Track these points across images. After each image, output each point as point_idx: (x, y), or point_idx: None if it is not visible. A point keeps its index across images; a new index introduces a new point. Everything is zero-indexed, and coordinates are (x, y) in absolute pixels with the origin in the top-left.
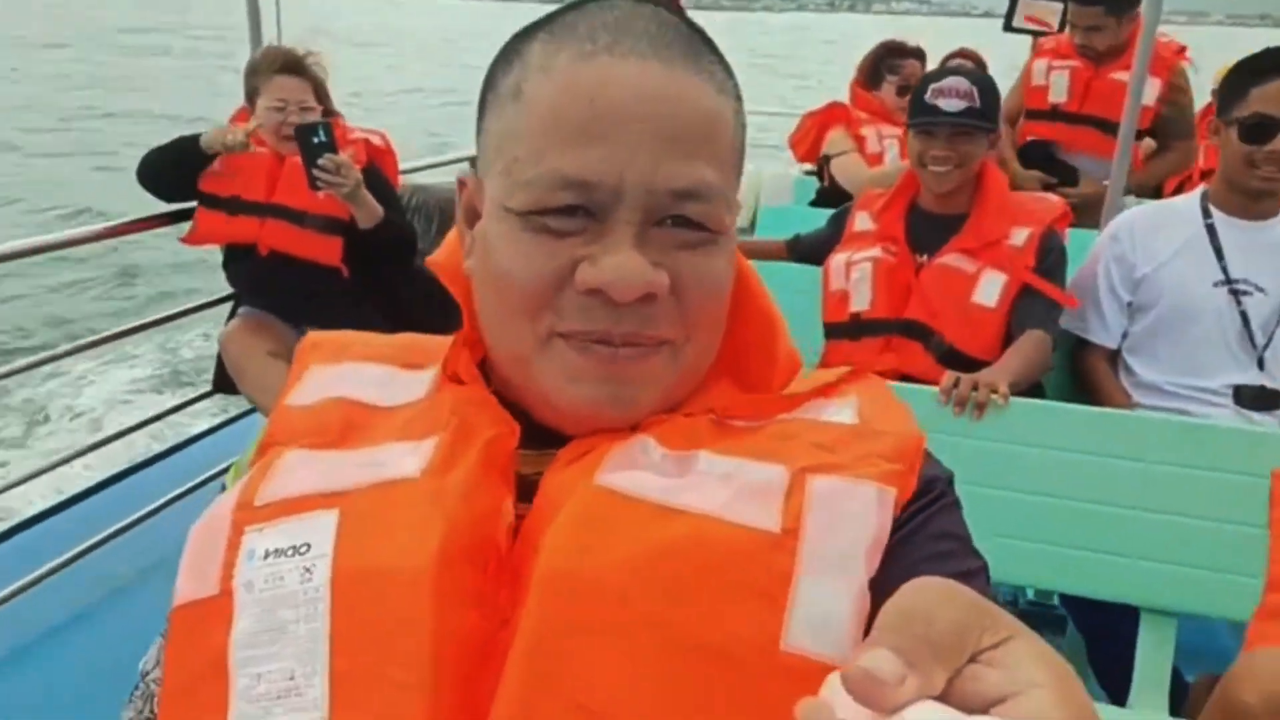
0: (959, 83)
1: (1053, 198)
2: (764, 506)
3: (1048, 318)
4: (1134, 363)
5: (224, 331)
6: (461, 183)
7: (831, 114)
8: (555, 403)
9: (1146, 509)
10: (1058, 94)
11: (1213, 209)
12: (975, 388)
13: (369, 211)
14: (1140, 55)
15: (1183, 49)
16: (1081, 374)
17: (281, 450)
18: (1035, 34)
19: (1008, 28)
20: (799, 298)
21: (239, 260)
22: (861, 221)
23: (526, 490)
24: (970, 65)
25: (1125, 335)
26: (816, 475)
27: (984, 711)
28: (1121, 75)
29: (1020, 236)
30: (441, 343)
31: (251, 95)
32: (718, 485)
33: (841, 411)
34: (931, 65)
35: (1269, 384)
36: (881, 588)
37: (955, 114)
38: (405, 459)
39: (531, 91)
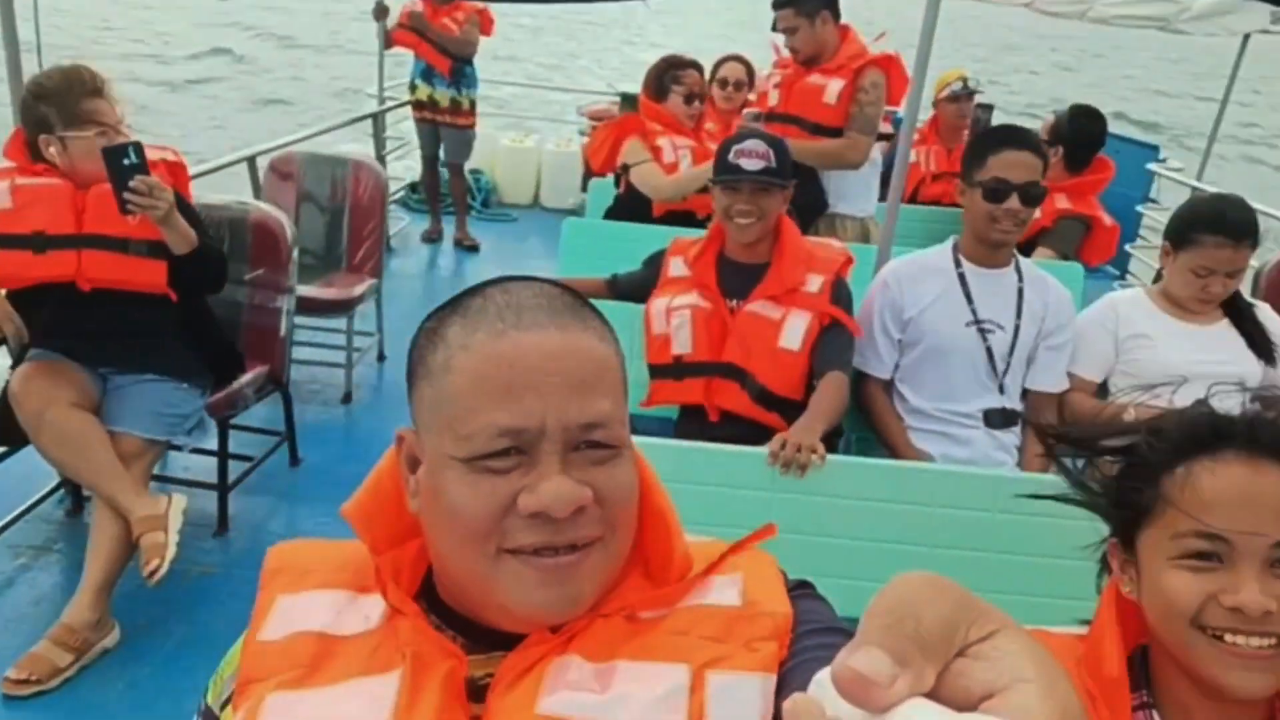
0: (757, 145)
1: (837, 244)
2: (673, 710)
3: (843, 357)
4: (905, 390)
5: (14, 377)
6: (400, 437)
7: (626, 125)
8: (513, 610)
9: (938, 545)
10: (773, 97)
11: (962, 259)
12: (799, 449)
13: (182, 235)
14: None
15: (888, 56)
16: (862, 401)
17: (260, 692)
18: None
19: (775, 28)
20: (621, 333)
21: (38, 301)
22: (676, 267)
23: (477, 692)
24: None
25: (897, 367)
26: (713, 670)
27: (972, 706)
28: (819, 79)
29: (815, 283)
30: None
31: (42, 122)
32: (636, 696)
33: (728, 592)
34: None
35: (1008, 405)
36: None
37: (755, 172)
38: (371, 705)
39: (459, 365)
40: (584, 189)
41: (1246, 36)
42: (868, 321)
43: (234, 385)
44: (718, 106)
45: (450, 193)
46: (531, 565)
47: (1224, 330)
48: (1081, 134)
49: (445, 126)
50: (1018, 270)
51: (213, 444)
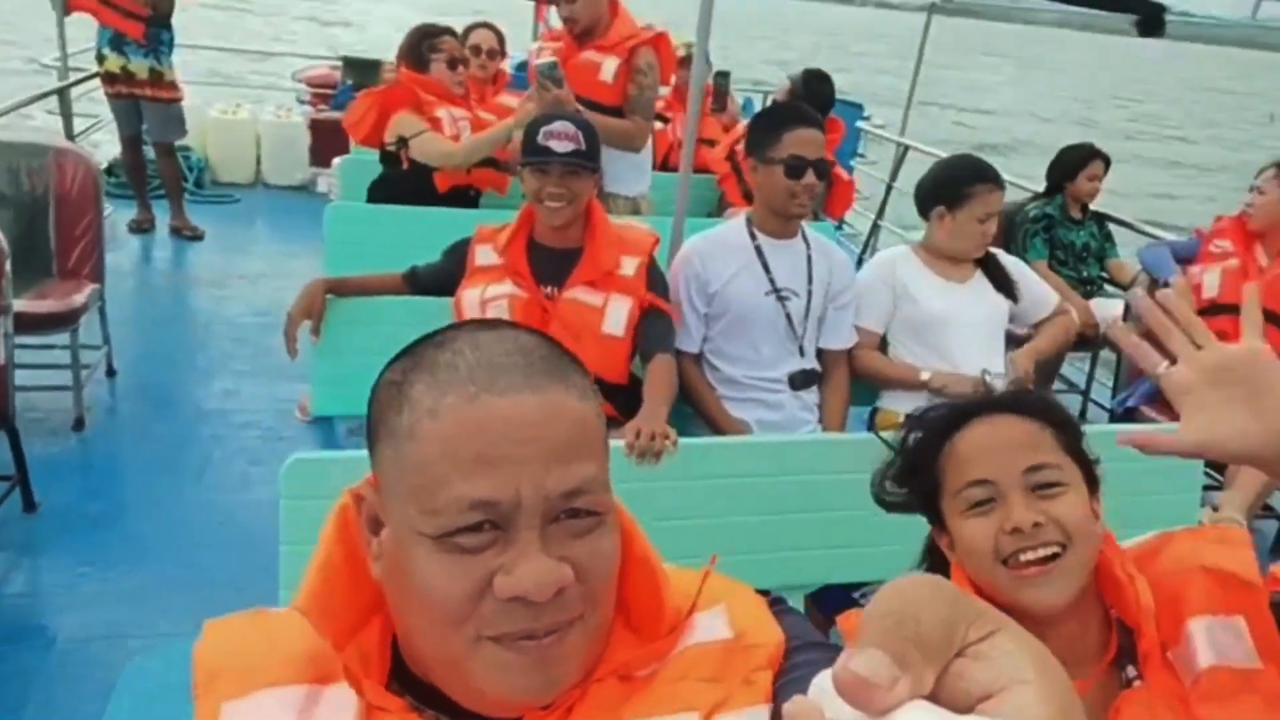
0: (566, 127)
1: (644, 226)
2: None
3: (667, 339)
4: (717, 362)
5: None
6: (358, 496)
7: (393, 96)
8: (491, 696)
9: (800, 511)
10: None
11: (757, 233)
12: (653, 437)
13: None
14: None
15: (658, 35)
16: (680, 381)
17: None
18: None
19: None
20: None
21: None
22: (484, 255)
23: None
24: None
25: (705, 340)
26: (718, 715)
27: (971, 707)
28: (593, 55)
29: (630, 266)
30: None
31: None
32: None
33: (716, 626)
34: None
35: (807, 366)
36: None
37: (565, 155)
38: None
39: (425, 432)
40: (313, 162)
41: (930, 13)
42: (675, 299)
43: None
44: (471, 76)
45: (160, 175)
46: (512, 650)
47: (978, 282)
48: (816, 96)
49: (147, 101)
50: (805, 239)
51: None
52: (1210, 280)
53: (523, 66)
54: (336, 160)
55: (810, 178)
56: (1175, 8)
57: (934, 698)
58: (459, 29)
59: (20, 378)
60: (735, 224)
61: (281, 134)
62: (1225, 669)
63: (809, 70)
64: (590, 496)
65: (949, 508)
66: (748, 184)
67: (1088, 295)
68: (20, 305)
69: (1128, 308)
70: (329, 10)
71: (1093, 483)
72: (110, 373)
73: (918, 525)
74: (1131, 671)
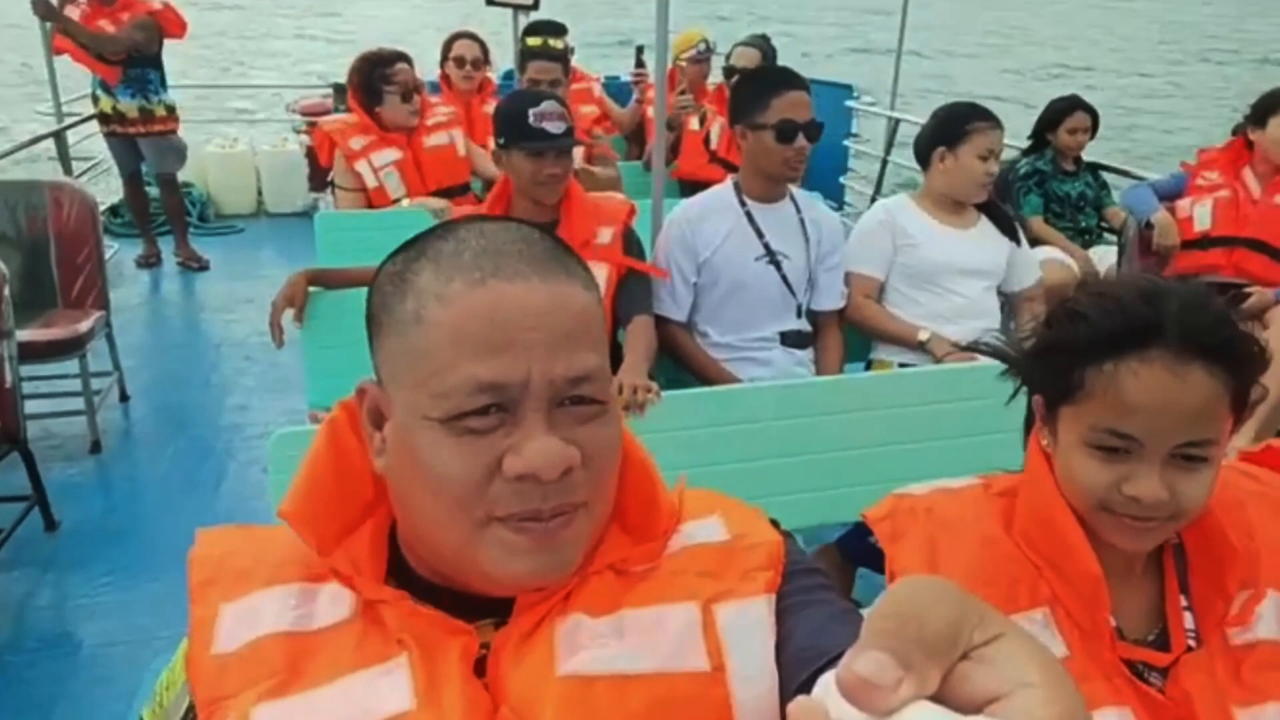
0: (554, 106)
1: (619, 196)
2: (693, 649)
3: (645, 302)
4: (708, 329)
5: None
6: (361, 390)
7: (321, 147)
8: (498, 578)
9: (787, 455)
10: None
11: (746, 198)
12: (635, 390)
13: None
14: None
15: None
16: (666, 345)
17: (238, 707)
18: (515, 8)
19: (489, 2)
20: None
21: None
22: None
23: (475, 664)
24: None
25: (694, 309)
26: (719, 604)
27: (976, 711)
28: None
29: (606, 234)
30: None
31: None
32: (651, 640)
33: (711, 530)
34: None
35: (803, 328)
36: (785, 642)
37: (561, 135)
38: (388, 694)
39: (433, 317)
40: (313, 188)
41: None
42: (661, 267)
43: None
44: (456, 87)
45: (164, 210)
46: (519, 532)
47: (980, 230)
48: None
49: (143, 138)
50: (793, 201)
51: None
52: (1201, 213)
53: (509, 75)
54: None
55: (802, 141)
56: None
57: (939, 701)
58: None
59: (34, 406)
60: (723, 189)
61: (280, 163)
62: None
63: (758, 35)
64: (595, 385)
65: (1072, 417)
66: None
67: (1087, 245)
68: (26, 335)
69: (1121, 251)
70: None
71: (1238, 423)
72: (124, 397)
73: (914, 460)
74: (1182, 602)
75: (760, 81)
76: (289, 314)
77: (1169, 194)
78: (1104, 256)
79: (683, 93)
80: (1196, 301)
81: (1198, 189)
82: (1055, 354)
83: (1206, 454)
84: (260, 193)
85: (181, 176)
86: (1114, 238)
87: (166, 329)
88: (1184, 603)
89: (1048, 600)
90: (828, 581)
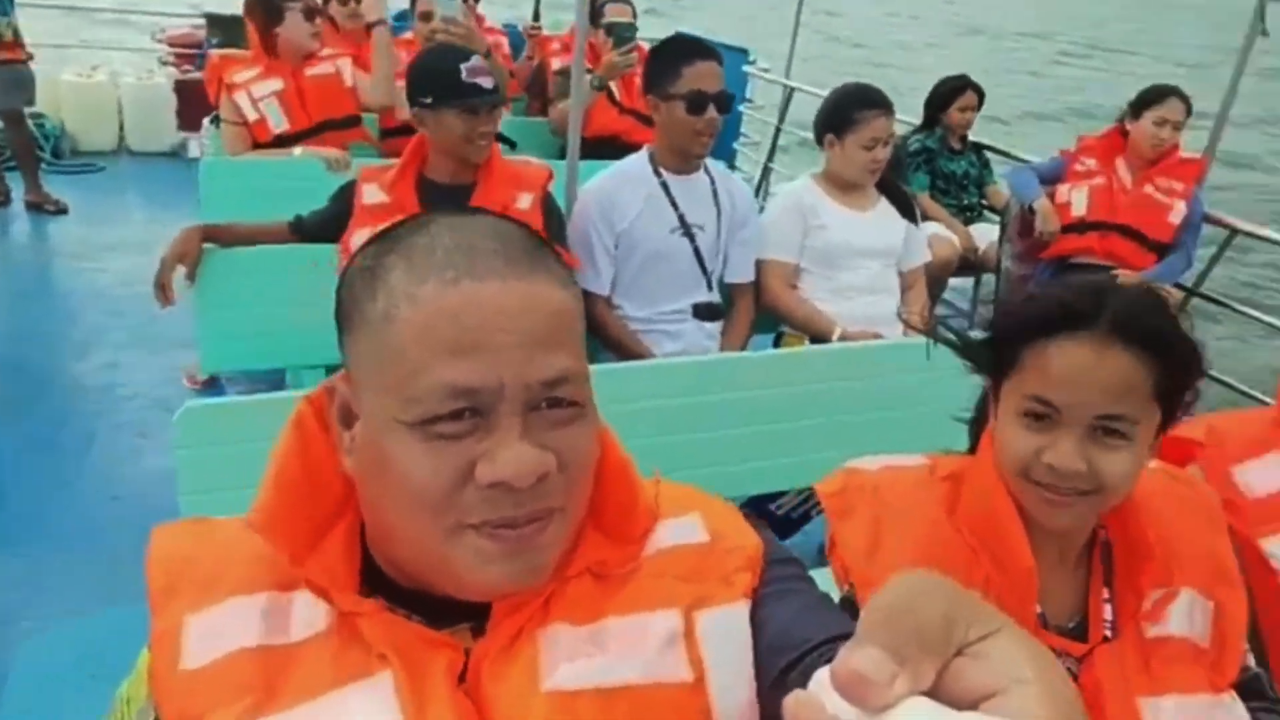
0: (480, 62)
1: (538, 162)
2: (675, 659)
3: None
4: (624, 304)
5: None
6: (330, 388)
7: (210, 78)
8: (471, 585)
9: (717, 429)
10: None
11: (661, 169)
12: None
13: None
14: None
15: None
16: (587, 320)
17: None
18: None
19: None
20: (317, 275)
21: None
22: (371, 194)
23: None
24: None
25: (613, 283)
26: (700, 610)
27: (971, 707)
28: None
29: (525, 201)
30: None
31: None
32: (633, 650)
33: (690, 531)
34: None
35: (714, 300)
36: (760, 631)
37: (493, 90)
38: (374, 713)
39: (404, 317)
40: (181, 125)
41: None
42: (584, 239)
43: None
44: (341, 27)
45: (10, 146)
46: (492, 539)
47: (880, 211)
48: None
49: None
50: (708, 173)
51: None
52: (1078, 198)
53: (402, 16)
54: (207, 121)
55: (712, 112)
56: None
57: (934, 697)
58: None
59: None
60: (638, 159)
61: (145, 97)
62: (1188, 641)
63: None
64: (571, 386)
65: (1010, 391)
66: None
67: (968, 222)
68: None
69: (1003, 230)
70: None
71: (1169, 422)
72: None
73: (824, 432)
74: (1105, 595)
75: (671, 51)
76: (179, 272)
77: (1049, 178)
78: (985, 234)
79: (627, 51)
80: (1138, 299)
81: (1075, 174)
82: (1003, 332)
83: (1125, 430)
84: (122, 129)
85: (32, 108)
86: (995, 216)
87: (20, 279)
88: (1106, 595)
89: (981, 584)
90: (803, 572)
